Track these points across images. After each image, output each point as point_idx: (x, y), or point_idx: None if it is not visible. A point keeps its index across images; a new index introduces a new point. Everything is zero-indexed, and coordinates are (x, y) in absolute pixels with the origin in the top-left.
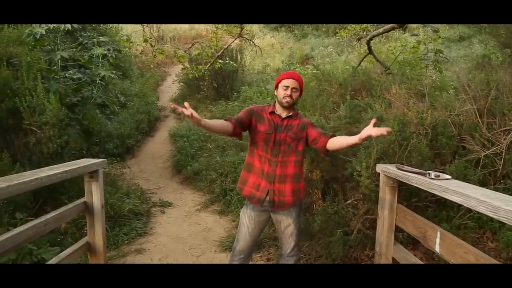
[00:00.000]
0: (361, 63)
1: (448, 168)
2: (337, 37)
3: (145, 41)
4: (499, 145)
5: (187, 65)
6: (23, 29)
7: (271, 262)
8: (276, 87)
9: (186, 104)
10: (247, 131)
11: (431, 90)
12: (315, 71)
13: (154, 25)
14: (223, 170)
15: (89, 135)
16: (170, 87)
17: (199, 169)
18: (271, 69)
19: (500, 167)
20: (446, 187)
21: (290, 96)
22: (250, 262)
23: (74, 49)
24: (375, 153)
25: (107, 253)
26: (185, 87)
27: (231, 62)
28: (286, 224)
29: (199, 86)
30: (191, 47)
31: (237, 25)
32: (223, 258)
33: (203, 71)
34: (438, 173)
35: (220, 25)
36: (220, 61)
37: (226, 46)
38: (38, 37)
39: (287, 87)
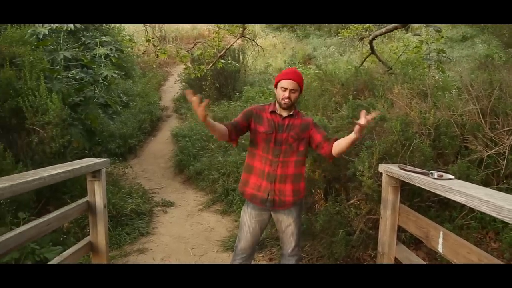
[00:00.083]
0: (364, 63)
1: (451, 168)
2: (340, 37)
3: (148, 41)
4: (502, 145)
5: (189, 65)
6: (26, 29)
7: (273, 262)
8: (276, 86)
9: (198, 96)
10: (248, 132)
11: (434, 90)
12: (317, 71)
13: (157, 25)
14: (225, 170)
15: (91, 134)
16: (172, 87)
17: (201, 169)
18: (273, 69)
19: (503, 167)
20: (449, 187)
21: (289, 97)
22: (253, 262)
23: (77, 49)
24: (378, 153)
25: (110, 253)
26: (187, 87)
27: (233, 62)
28: (287, 223)
29: (201, 86)
30: (193, 47)
31: (239, 25)
32: (225, 258)
33: (205, 71)
34: (441, 173)
35: (222, 25)
36: (222, 61)
37: (228, 46)
38: (41, 37)
39: (286, 89)
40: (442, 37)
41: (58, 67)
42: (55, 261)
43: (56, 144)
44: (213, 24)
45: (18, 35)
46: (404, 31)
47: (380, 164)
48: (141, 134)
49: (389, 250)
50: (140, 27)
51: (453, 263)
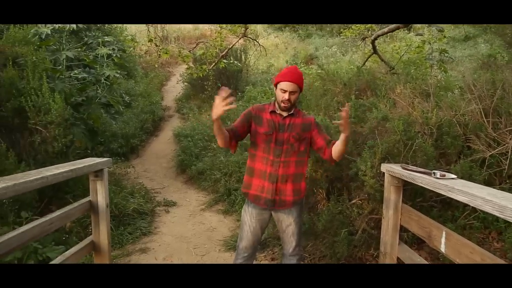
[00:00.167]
0: (366, 62)
1: (453, 168)
2: (342, 37)
3: (150, 41)
4: (504, 144)
5: (191, 65)
6: (28, 29)
7: (275, 262)
8: (275, 86)
9: (232, 98)
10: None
11: (436, 90)
12: (319, 71)
13: (159, 25)
14: (228, 170)
15: (93, 134)
16: (175, 87)
17: (204, 169)
18: (275, 69)
19: (506, 167)
20: (452, 187)
21: (288, 100)
22: (255, 262)
23: (79, 49)
24: (380, 152)
25: (112, 252)
26: (189, 87)
27: (236, 62)
28: (287, 223)
29: (204, 86)
30: (195, 47)
31: (241, 25)
32: (228, 258)
33: (207, 71)
34: (443, 173)
35: (224, 25)
36: (225, 61)
37: (230, 46)
38: (43, 37)
39: (285, 91)
40: (445, 36)
41: (60, 67)
42: (57, 260)
43: (58, 143)
44: (215, 24)
45: (20, 35)
46: (406, 31)
47: (382, 164)
48: (143, 134)
49: (392, 250)
50: (142, 27)
51: (456, 263)
